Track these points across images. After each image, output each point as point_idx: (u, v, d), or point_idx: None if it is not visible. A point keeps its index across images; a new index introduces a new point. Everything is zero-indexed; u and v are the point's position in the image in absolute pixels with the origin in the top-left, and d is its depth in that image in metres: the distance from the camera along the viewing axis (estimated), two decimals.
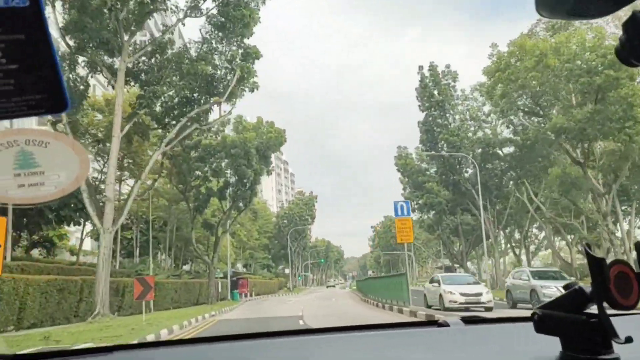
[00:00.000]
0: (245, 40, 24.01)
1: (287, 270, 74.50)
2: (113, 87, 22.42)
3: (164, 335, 12.18)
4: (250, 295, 45.41)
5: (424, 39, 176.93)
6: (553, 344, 0.94)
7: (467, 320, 1.58)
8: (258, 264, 72.12)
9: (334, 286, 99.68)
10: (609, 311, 0.86)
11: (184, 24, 22.94)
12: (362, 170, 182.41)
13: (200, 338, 1.54)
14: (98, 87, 36.46)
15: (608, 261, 0.85)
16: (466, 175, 39.66)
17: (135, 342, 7.71)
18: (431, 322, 1.59)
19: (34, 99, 0.74)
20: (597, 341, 0.87)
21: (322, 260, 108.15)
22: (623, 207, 30.87)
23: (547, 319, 0.93)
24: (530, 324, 0.97)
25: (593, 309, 0.88)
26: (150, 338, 11.37)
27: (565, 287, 0.93)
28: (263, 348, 1.38)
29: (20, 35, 0.62)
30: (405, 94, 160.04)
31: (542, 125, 27.64)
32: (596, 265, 0.84)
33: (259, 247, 68.72)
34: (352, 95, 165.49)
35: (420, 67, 40.28)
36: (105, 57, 22.15)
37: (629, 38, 0.59)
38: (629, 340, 0.84)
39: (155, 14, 24.80)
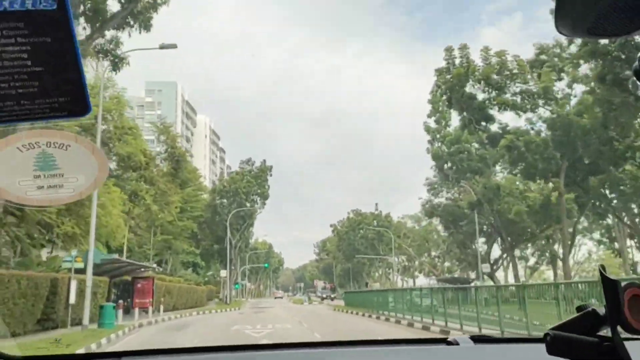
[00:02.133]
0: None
1: (223, 273, 52.78)
2: None
3: None
4: (158, 312, 26.47)
5: (363, 55, 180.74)
6: None
7: (477, 339, 1.61)
8: (180, 262, 52.79)
9: (281, 297, 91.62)
10: (623, 335, 0.85)
11: None
12: (297, 181, 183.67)
13: (208, 347, 1.55)
14: None
15: (623, 283, 0.85)
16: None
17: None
18: (441, 340, 1.60)
19: (57, 101, 0.76)
20: None
21: (267, 265, 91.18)
22: None
23: (559, 341, 0.91)
24: (540, 345, 0.97)
25: (607, 332, 0.86)
26: None
27: (578, 309, 0.93)
28: (274, 359, 1.38)
29: (47, 37, 0.64)
30: (341, 107, 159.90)
31: None
32: (610, 287, 0.83)
33: (182, 234, 48.17)
34: (290, 105, 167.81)
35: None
36: None
37: None
38: None
39: None
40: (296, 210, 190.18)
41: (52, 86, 0.71)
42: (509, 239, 40.54)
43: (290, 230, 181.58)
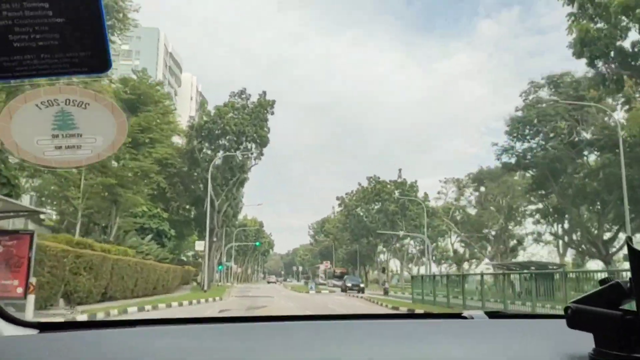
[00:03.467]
0: None
1: (199, 246, 38.71)
2: None
3: None
4: (53, 304, 15.60)
5: (359, 43, 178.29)
6: (585, 340, 0.92)
7: (492, 315, 1.61)
8: (138, 228, 34.68)
9: (275, 283, 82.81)
10: None
11: None
12: (286, 167, 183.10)
13: (218, 317, 1.54)
14: None
15: None
16: None
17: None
18: (455, 315, 1.59)
19: (78, 56, 0.74)
20: (633, 339, 0.84)
21: (258, 244, 77.69)
22: None
23: (581, 314, 0.90)
24: (559, 321, 0.97)
25: (630, 306, 0.85)
26: None
27: (601, 282, 0.91)
28: (286, 328, 1.36)
29: None
30: (335, 95, 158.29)
31: None
32: (637, 258, 0.81)
33: (138, 182, 30.48)
34: (282, 92, 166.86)
35: None
36: None
37: None
38: None
39: None
40: (285, 196, 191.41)
41: (73, 40, 0.67)
42: None
43: (279, 216, 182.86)
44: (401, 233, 56.68)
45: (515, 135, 41.74)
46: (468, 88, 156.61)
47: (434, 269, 60.25)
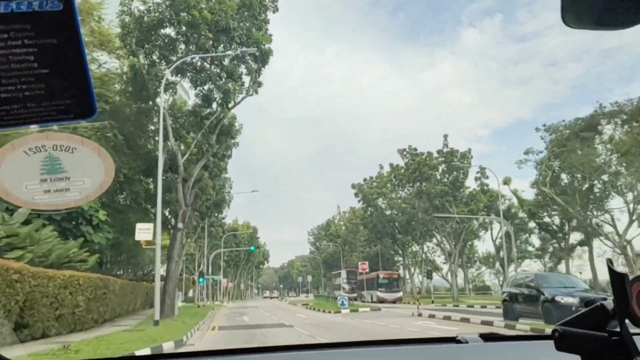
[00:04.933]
0: None
1: (141, 233, 18.22)
2: None
3: None
4: None
5: (344, 55, 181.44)
6: None
7: (486, 337, 1.62)
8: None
9: (277, 297, 73.22)
10: (633, 330, 0.85)
11: None
12: (274, 182, 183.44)
13: (217, 350, 1.53)
14: None
15: (631, 277, 0.84)
16: None
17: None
18: (449, 339, 1.60)
19: (64, 104, 0.76)
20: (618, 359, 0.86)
21: (253, 248, 61.91)
22: None
23: (567, 336, 0.91)
24: (550, 342, 0.96)
25: (616, 327, 0.86)
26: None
27: (587, 304, 0.93)
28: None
29: (53, 39, 0.65)
30: (322, 108, 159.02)
31: None
32: (618, 281, 0.83)
33: None
34: (267, 106, 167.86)
35: None
36: None
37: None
38: None
39: None
40: (275, 212, 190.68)
41: (58, 88, 0.71)
42: None
43: (269, 232, 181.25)
44: (480, 218, 43.63)
45: None
46: (454, 97, 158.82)
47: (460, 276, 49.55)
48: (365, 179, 57.98)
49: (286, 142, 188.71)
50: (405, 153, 49.10)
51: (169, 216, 29.78)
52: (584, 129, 36.52)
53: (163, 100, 22.48)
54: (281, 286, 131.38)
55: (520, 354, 1.46)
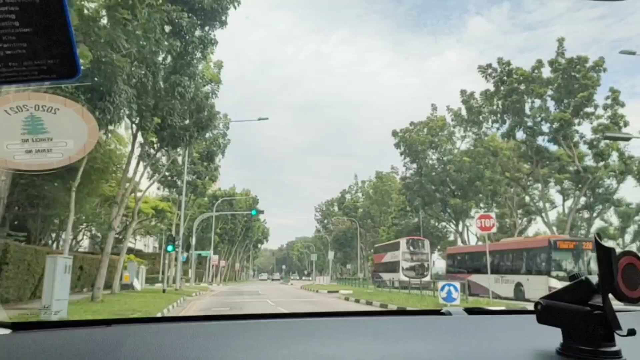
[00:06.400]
0: None
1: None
2: None
3: None
4: None
5: (349, 43, 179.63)
6: (554, 335, 0.95)
7: (470, 311, 1.63)
8: None
9: (279, 280, 66.36)
10: (616, 305, 0.87)
11: None
12: (277, 168, 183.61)
13: (196, 316, 1.55)
14: None
15: (618, 251, 0.85)
16: None
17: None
18: (435, 311, 1.64)
19: (46, 64, 0.75)
20: (599, 333, 0.87)
21: (254, 212, 48.75)
22: None
23: (549, 310, 0.93)
24: (533, 316, 0.98)
25: (598, 301, 0.87)
26: None
27: (571, 278, 0.94)
28: (264, 327, 1.39)
29: None
30: (324, 95, 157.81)
31: None
32: (604, 255, 0.83)
33: None
34: (272, 92, 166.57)
35: None
36: None
37: None
38: (631, 332, 0.84)
39: None
40: (274, 196, 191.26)
41: (40, 48, 0.69)
42: None
43: (268, 215, 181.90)
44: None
45: None
46: (459, 85, 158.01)
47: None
48: (412, 123, 43.05)
49: (289, 128, 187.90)
50: (489, 71, 33.45)
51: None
52: None
53: None
54: (283, 267, 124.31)
55: (501, 326, 1.48)
